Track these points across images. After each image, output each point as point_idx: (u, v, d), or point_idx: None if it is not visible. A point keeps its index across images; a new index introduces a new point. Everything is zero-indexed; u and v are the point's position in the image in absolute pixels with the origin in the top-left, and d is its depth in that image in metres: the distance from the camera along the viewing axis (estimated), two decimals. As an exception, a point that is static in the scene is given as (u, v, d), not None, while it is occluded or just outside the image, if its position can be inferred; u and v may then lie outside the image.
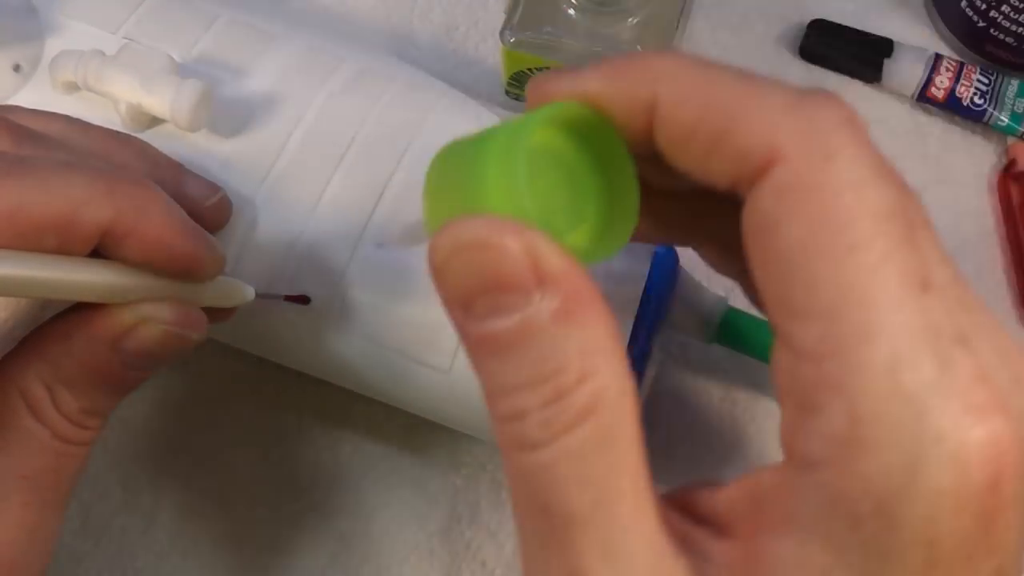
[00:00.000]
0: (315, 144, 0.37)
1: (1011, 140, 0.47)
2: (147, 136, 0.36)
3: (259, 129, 0.37)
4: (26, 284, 0.27)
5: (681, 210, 0.30)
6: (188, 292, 0.31)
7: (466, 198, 0.25)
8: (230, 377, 0.45)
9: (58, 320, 0.31)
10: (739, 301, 0.35)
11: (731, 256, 0.30)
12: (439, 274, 0.24)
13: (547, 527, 0.23)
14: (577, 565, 0.22)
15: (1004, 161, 0.47)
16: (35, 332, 0.31)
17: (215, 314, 0.32)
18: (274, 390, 0.44)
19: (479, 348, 0.23)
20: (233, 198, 0.35)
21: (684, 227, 0.31)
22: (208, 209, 0.34)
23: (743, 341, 0.40)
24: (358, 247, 0.36)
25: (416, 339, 0.36)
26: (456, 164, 0.26)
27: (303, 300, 0.36)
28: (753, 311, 0.38)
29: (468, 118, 0.40)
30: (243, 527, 0.43)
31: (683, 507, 0.25)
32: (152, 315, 0.30)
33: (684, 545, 0.23)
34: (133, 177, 0.29)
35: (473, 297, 0.23)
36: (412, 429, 0.43)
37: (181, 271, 0.30)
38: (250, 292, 0.33)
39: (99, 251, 0.29)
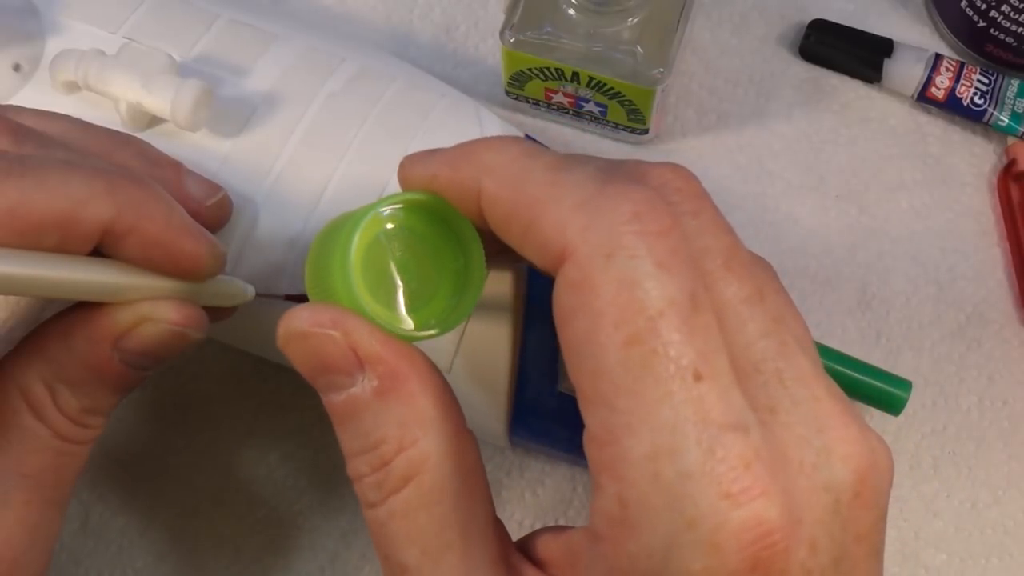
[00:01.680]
0: (315, 143, 0.37)
1: (1011, 140, 0.47)
2: (147, 136, 0.36)
3: (259, 128, 0.37)
4: (26, 283, 0.27)
5: None
6: (188, 291, 0.31)
7: (324, 280, 0.28)
8: (230, 377, 0.45)
9: (58, 319, 0.31)
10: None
11: None
12: (285, 353, 0.27)
13: (389, 574, 0.27)
14: None
15: (1004, 161, 0.47)
16: (35, 331, 0.31)
17: (215, 313, 0.32)
18: (274, 390, 0.44)
19: (331, 415, 0.27)
20: (233, 197, 0.35)
21: None
22: (209, 208, 0.34)
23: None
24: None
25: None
26: (324, 243, 0.30)
27: (303, 300, 0.36)
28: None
29: (468, 118, 0.40)
30: (243, 527, 0.43)
31: (528, 550, 0.27)
32: (152, 314, 0.30)
33: None
34: (133, 176, 0.29)
35: (313, 375, 0.27)
36: (412, 429, 0.43)
37: (182, 270, 0.30)
38: (250, 291, 0.33)
39: (99, 250, 0.29)
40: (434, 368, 0.27)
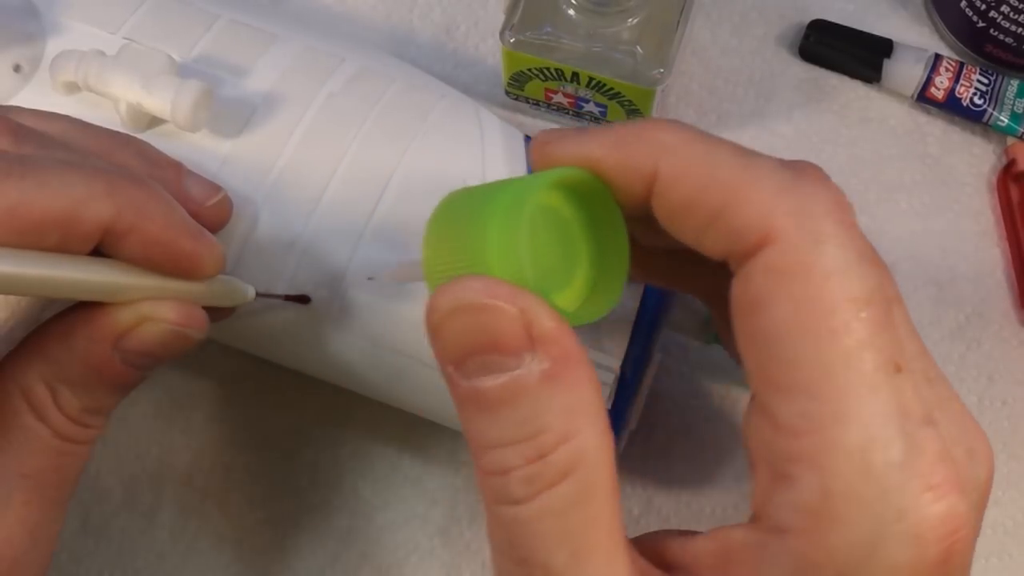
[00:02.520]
0: (315, 144, 0.37)
1: (1011, 140, 0.47)
2: (147, 136, 0.36)
3: (259, 129, 0.37)
4: (27, 282, 0.27)
5: (669, 264, 0.31)
6: (189, 291, 0.31)
7: (467, 254, 0.26)
8: (230, 377, 0.45)
9: (59, 319, 0.31)
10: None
11: (714, 307, 0.32)
12: (435, 331, 0.25)
13: None
14: None
15: (1004, 161, 0.47)
16: (36, 332, 0.31)
17: (215, 313, 0.32)
18: (274, 390, 0.44)
19: (467, 404, 0.25)
20: (233, 198, 0.35)
21: (670, 278, 0.32)
22: (209, 209, 0.34)
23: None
24: (358, 247, 0.36)
25: (416, 339, 0.36)
26: (459, 218, 0.27)
27: (303, 300, 0.36)
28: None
29: (468, 118, 0.40)
30: (243, 527, 0.43)
31: (653, 554, 0.26)
32: (153, 314, 0.30)
33: None
34: (134, 176, 0.30)
35: (466, 355, 0.24)
36: (412, 429, 0.43)
37: (182, 270, 0.30)
38: (250, 292, 0.34)
39: (100, 250, 0.29)
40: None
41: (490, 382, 0.24)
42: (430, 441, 0.44)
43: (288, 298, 0.35)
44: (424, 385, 0.37)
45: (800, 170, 0.24)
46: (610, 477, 0.24)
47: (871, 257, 0.23)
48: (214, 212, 0.34)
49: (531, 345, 0.24)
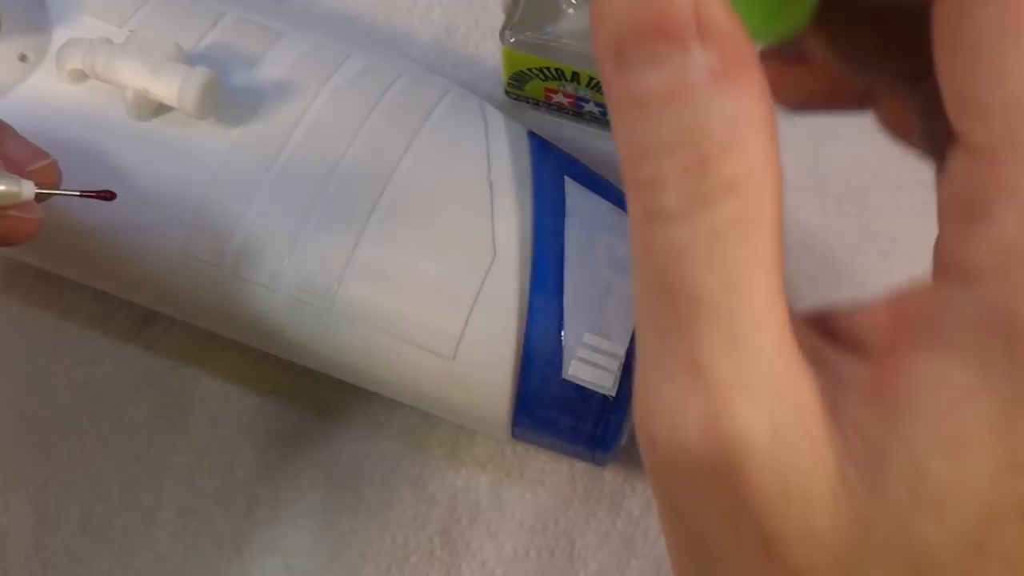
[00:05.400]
0: (320, 136, 0.37)
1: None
2: (155, 123, 0.37)
3: (265, 119, 0.37)
4: None
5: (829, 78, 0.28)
6: None
7: None
8: (231, 377, 0.44)
9: None
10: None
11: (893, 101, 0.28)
12: (598, 14, 0.22)
13: (669, 311, 0.21)
14: (698, 355, 0.21)
15: (1001, 161, 0.48)
16: None
17: (10, 230, 0.30)
18: (274, 390, 0.44)
19: (622, 103, 0.21)
20: (238, 185, 0.35)
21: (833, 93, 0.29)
22: (31, 174, 0.31)
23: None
24: (361, 237, 0.36)
25: (419, 326, 0.36)
26: None
27: (107, 196, 0.32)
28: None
29: (472, 113, 0.40)
30: (243, 527, 0.43)
31: (818, 324, 0.23)
32: None
33: (815, 360, 0.22)
34: None
35: (627, 43, 0.21)
36: (412, 429, 0.43)
37: None
38: (26, 187, 0.30)
39: None
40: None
41: (651, 75, 0.21)
42: (430, 441, 0.43)
43: (86, 194, 0.32)
44: (426, 373, 0.37)
45: None
46: (775, 209, 0.21)
47: None
48: (36, 177, 0.32)
49: (699, 36, 0.20)
